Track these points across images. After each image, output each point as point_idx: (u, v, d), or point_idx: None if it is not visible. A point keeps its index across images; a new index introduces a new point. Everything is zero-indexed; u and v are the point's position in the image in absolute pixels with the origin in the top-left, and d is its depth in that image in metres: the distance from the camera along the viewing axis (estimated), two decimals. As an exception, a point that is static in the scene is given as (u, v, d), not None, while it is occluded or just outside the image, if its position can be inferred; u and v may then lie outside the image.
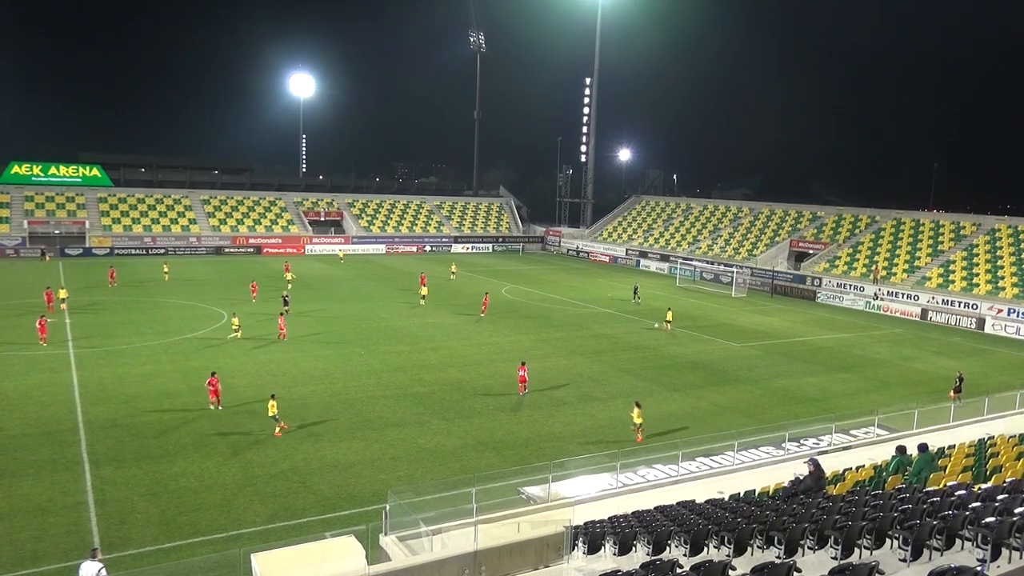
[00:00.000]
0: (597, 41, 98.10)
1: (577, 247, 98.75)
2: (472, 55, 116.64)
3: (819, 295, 66.06)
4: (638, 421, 26.96)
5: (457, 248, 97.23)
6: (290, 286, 57.35)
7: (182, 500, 20.94)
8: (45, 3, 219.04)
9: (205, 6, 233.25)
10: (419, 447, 25.77)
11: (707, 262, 77.39)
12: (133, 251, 79.83)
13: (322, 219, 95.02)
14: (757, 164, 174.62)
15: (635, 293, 60.62)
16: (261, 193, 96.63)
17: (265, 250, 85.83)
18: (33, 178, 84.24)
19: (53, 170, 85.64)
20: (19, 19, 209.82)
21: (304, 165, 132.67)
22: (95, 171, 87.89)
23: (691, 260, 78.67)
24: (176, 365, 34.78)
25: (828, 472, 19.18)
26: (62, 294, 47.36)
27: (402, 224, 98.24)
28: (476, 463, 24.49)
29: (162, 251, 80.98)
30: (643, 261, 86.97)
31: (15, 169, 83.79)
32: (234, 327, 40.51)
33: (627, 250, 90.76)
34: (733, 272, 69.36)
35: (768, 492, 18.57)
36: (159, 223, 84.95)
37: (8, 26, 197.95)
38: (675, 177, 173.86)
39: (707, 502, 17.32)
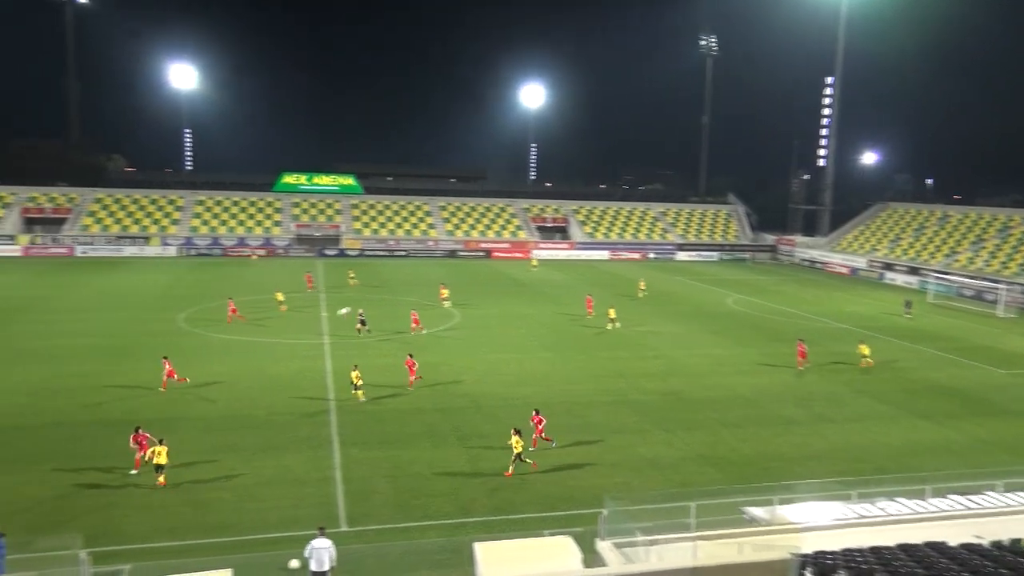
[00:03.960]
0: (840, 36, 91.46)
1: (812, 257, 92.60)
2: (702, 58, 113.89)
3: (1113, 319, 56.29)
4: (517, 450, 23.27)
5: (681, 256, 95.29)
6: (447, 304, 52.92)
7: (415, 485, 22.54)
8: (309, 36, 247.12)
9: (442, 27, 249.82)
10: (637, 455, 25.58)
11: (967, 277, 69.00)
12: (379, 253, 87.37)
13: (548, 225, 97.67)
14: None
15: (907, 308, 55.92)
16: (492, 200, 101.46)
17: (494, 254, 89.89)
18: (299, 187, 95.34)
19: (316, 179, 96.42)
20: (287, 46, 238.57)
21: (533, 172, 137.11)
22: (349, 180, 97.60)
23: (947, 274, 70.55)
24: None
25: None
26: (279, 296, 50.61)
27: (626, 231, 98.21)
28: (696, 477, 23.83)
29: (403, 253, 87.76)
30: (888, 274, 79.49)
31: (286, 179, 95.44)
32: (356, 381, 30.54)
33: (869, 261, 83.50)
34: (1001, 289, 61.17)
35: (1040, 543, 16.12)
36: (402, 227, 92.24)
37: (279, 53, 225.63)
38: (929, 182, 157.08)
39: (961, 546, 15.41)
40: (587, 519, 18.77)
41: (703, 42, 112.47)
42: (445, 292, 54.27)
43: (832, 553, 15.18)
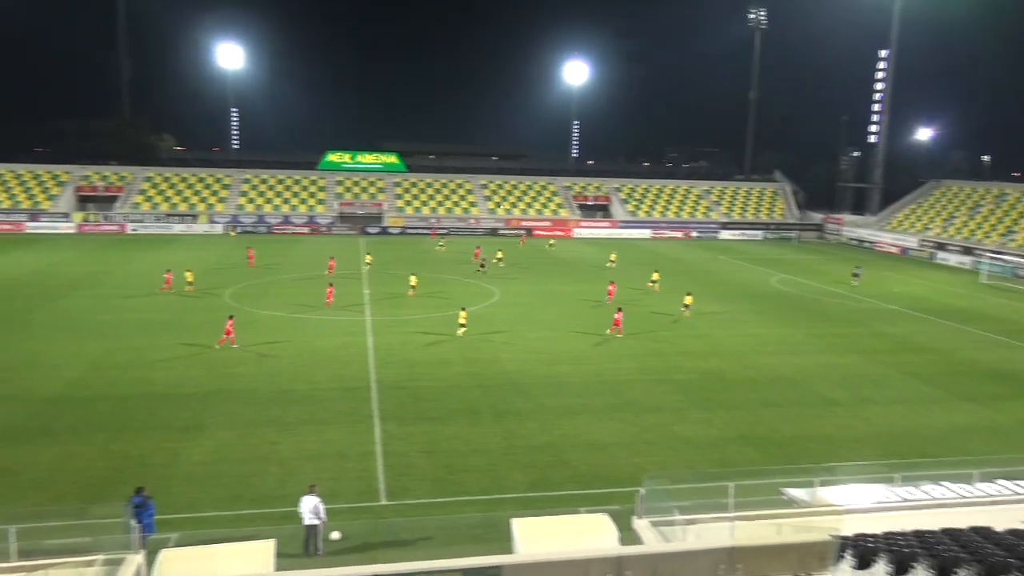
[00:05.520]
0: (896, 7, 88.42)
1: (860, 236, 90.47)
2: (750, 32, 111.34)
3: None
4: (463, 321, 33.74)
5: (725, 235, 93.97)
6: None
7: (452, 460, 22.80)
8: (353, 15, 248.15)
9: (486, 4, 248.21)
10: (676, 435, 25.46)
11: None
12: (421, 231, 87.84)
13: (590, 203, 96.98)
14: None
15: (856, 275, 54.71)
16: (534, 178, 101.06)
17: (536, 232, 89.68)
18: (344, 165, 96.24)
19: (360, 158, 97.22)
20: (332, 26, 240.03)
21: (575, 150, 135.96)
22: (393, 158, 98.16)
23: (1003, 254, 68.27)
24: (452, 337, 37.77)
25: None
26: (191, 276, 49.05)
27: (669, 209, 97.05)
28: (735, 457, 23.64)
29: (445, 231, 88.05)
30: (940, 254, 77.30)
31: (331, 157, 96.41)
32: (462, 321, 37.93)
33: (921, 241, 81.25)
34: (1058, 269, 59.06)
35: (1093, 531, 15.64)
36: (444, 205, 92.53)
37: (324, 32, 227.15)
38: (986, 159, 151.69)
39: (1008, 532, 15.04)
40: (624, 497, 18.77)
41: (752, 15, 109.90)
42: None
43: (873, 536, 14.95)
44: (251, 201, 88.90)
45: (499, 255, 64.40)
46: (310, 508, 17.27)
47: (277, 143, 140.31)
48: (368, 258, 61.38)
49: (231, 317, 35.87)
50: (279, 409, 26.65)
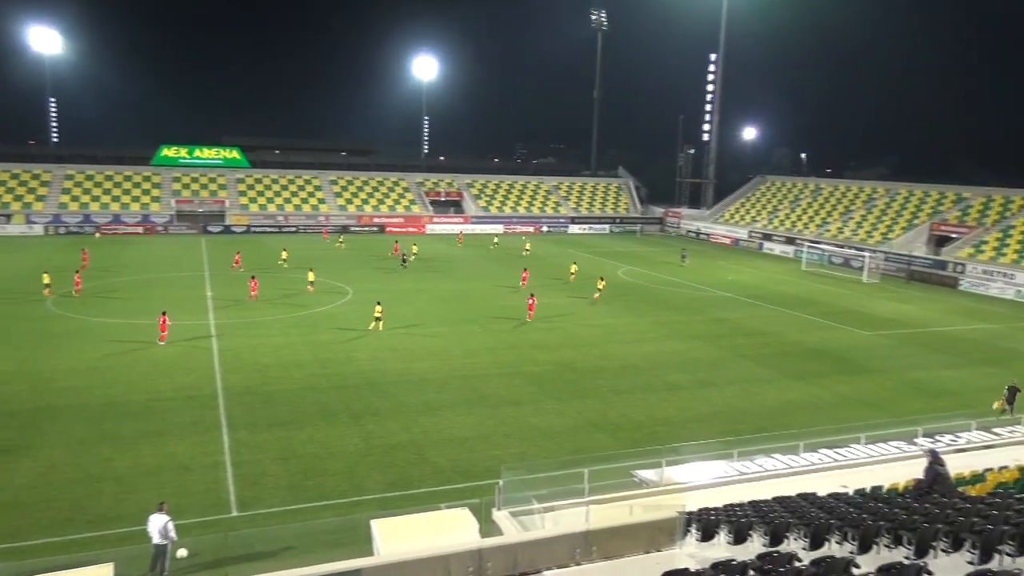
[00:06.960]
0: (723, 13, 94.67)
1: (697, 229, 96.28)
2: (593, 34, 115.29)
3: (962, 282, 61.53)
4: (378, 315, 36.84)
5: (574, 229, 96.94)
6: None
7: (308, 465, 22.13)
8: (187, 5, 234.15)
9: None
10: (532, 426, 26.03)
11: (837, 246, 73.61)
12: (267, 229, 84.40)
13: (443, 199, 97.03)
14: (895, 142, 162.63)
15: (683, 258, 60.34)
16: (385, 174, 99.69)
17: (388, 229, 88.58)
18: (180, 160, 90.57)
19: (198, 153, 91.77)
20: (163, 11, 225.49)
21: (426, 146, 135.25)
22: (235, 153, 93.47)
23: (819, 243, 75.00)
24: (304, 338, 36.62)
25: (967, 471, 17.94)
26: (46, 279, 45.13)
27: (520, 204, 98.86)
28: (588, 444, 24.49)
29: (293, 229, 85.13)
30: (767, 244, 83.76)
31: (165, 152, 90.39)
32: (377, 315, 38.41)
33: (750, 232, 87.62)
34: (865, 256, 65.63)
35: (897, 489, 17.57)
36: (291, 203, 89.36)
37: (155, 17, 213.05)
38: (803, 156, 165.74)
39: (829, 496, 16.58)
40: (484, 490, 18.99)
41: (594, 16, 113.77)
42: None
43: (715, 509, 15.99)
44: (75, 199, 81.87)
45: (414, 249, 65.94)
46: (159, 527, 16.17)
47: (104, 136, 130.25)
48: (284, 254, 60.41)
49: (164, 313, 35.34)
50: (114, 423, 24.77)
